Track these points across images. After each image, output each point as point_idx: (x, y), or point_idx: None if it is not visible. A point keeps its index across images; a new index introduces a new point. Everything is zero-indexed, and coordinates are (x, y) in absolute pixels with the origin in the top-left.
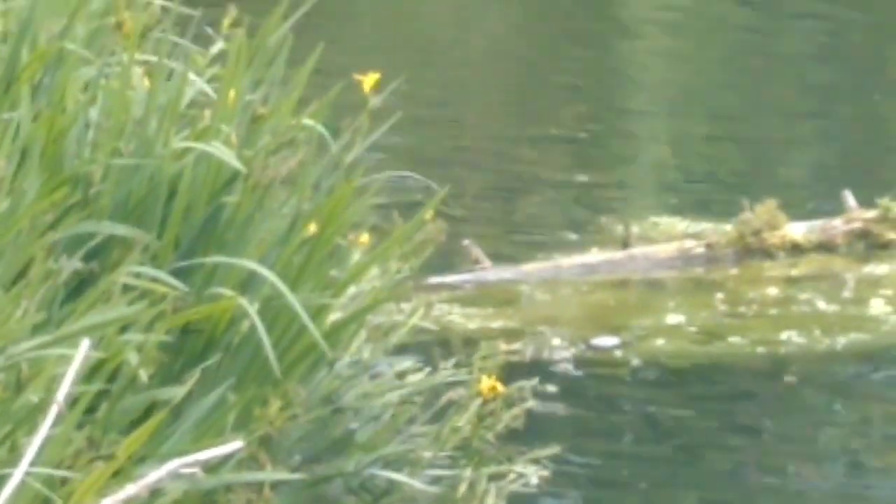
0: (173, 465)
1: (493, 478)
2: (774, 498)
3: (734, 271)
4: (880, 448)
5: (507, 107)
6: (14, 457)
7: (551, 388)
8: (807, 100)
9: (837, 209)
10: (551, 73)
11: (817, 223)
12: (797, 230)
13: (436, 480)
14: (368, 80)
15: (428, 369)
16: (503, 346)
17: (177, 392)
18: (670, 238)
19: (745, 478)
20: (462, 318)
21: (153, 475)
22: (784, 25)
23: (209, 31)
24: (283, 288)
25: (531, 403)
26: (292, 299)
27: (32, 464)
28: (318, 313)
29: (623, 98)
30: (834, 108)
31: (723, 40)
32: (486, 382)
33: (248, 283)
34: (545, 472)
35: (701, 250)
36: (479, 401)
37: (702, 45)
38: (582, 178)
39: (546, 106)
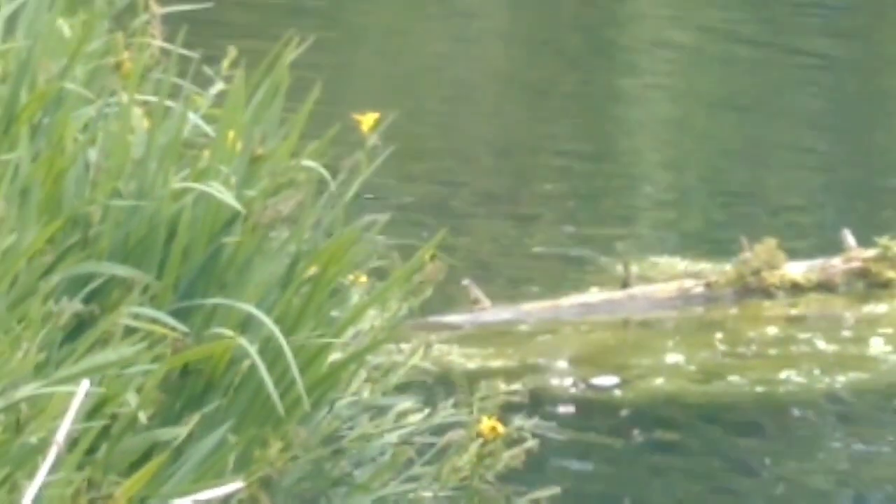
0: None
1: None
2: None
3: (733, 311)
4: (881, 488)
5: (506, 146)
6: (14, 498)
7: (551, 428)
8: (806, 138)
9: (837, 248)
10: (550, 105)
11: (817, 262)
12: (796, 269)
13: None
14: (367, 120)
15: (427, 409)
16: (503, 386)
17: (177, 433)
18: (670, 278)
19: None
20: (461, 358)
21: None
22: (784, 61)
23: (208, 71)
24: (278, 333)
25: (531, 443)
26: (285, 346)
27: None
28: (317, 354)
29: (622, 136)
30: (833, 147)
31: (722, 76)
32: (486, 422)
33: (247, 324)
34: None
35: (700, 290)
36: (478, 441)
37: (700, 82)
38: (581, 217)
39: (544, 144)
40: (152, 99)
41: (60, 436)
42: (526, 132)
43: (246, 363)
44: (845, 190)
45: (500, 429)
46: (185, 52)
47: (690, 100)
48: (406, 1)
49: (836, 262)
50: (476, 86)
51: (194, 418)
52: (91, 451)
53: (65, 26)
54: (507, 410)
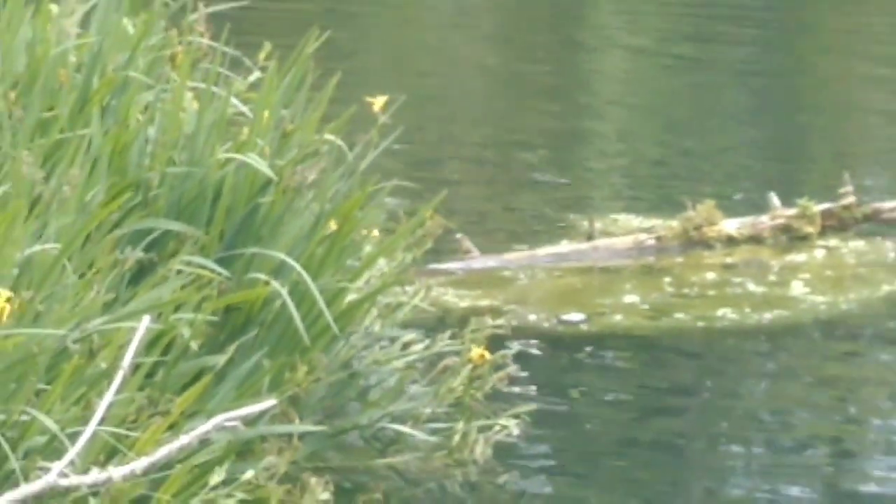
0: (218, 419)
1: (482, 429)
2: (711, 448)
3: (679, 259)
4: (800, 404)
5: (491, 121)
6: (87, 414)
7: (529, 356)
8: (740, 118)
9: (764, 208)
10: (528, 93)
11: (748, 219)
12: (731, 225)
13: (434, 432)
14: (378, 101)
15: (427, 341)
16: (489, 321)
17: (221, 360)
18: (627, 232)
19: (687, 430)
20: (455, 299)
21: (202, 428)
22: (719, 57)
23: (247, 62)
24: (306, 277)
25: (512, 368)
26: (313, 287)
27: (102, 420)
28: (336, 295)
29: (588, 115)
30: (763, 126)
31: (667, 71)
32: (476, 351)
33: (279, 270)
34: (524, 425)
35: (652, 242)
36: (469, 366)
37: (651, 75)
38: (554, 183)
39: (523, 123)
40: (200, 85)
41: (126, 362)
42: (506, 114)
43: (278, 302)
44: (772, 161)
45: (487, 356)
46: (227, 49)
47: (642, 87)
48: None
49: (764, 220)
50: (465, 71)
51: (235, 347)
52: (150, 374)
53: (129, 25)
54: (492, 341)
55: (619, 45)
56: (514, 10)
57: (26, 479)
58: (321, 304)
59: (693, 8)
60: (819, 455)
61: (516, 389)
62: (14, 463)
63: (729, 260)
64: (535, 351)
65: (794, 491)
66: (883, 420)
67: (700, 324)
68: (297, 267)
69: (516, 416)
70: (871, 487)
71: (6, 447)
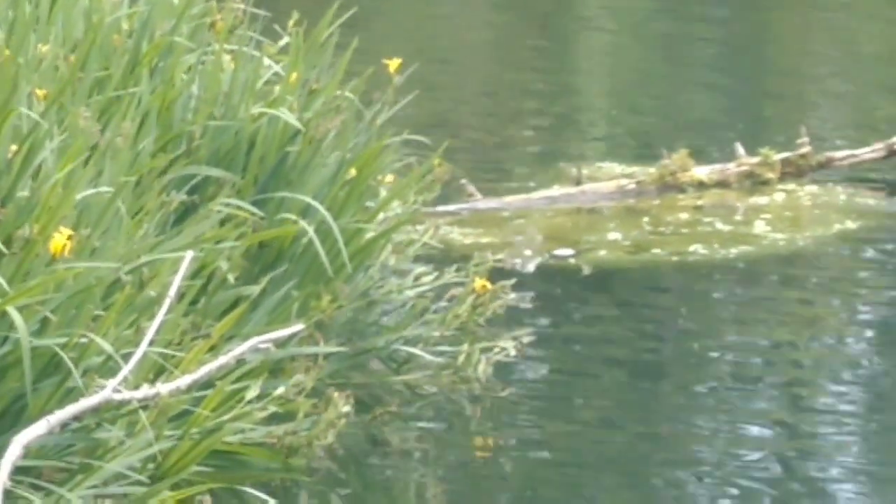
0: (253, 342)
1: (484, 350)
2: (683, 367)
3: (656, 202)
4: (762, 327)
5: (492, 82)
6: (138, 336)
7: (525, 286)
8: (711, 74)
9: (731, 156)
10: (522, 54)
11: (717, 166)
12: (702, 171)
13: (442, 353)
14: (392, 64)
15: (436, 273)
16: (490, 256)
17: (255, 289)
18: (610, 177)
19: (663, 351)
20: (460, 237)
21: (238, 349)
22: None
23: (278, 28)
24: (328, 217)
25: (511, 297)
26: (335, 227)
27: (151, 342)
28: (356, 233)
29: (576, 76)
30: (730, 84)
31: (647, 37)
32: (479, 282)
33: (306, 211)
34: (521, 346)
35: (633, 186)
36: (473, 295)
37: (630, 40)
38: (546, 134)
39: (518, 84)
40: (238, 48)
41: (172, 290)
42: (504, 76)
43: (305, 239)
44: (738, 115)
45: (489, 287)
46: (260, 12)
47: (623, 49)
48: None
49: (731, 167)
50: (467, 41)
51: (267, 279)
52: (193, 302)
53: None
54: (493, 274)
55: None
56: None
57: (85, 394)
58: (340, 242)
59: None
60: (775, 371)
61: (514, 315)
62: (77, 380)
63: (700, 202)
64: (530, 282)
65: (756, 406)
66: (830, 337)
67: (674, 258)
68: (322, 209)
69: (514, 339)
70: (822, 407)
71: (70, 364)
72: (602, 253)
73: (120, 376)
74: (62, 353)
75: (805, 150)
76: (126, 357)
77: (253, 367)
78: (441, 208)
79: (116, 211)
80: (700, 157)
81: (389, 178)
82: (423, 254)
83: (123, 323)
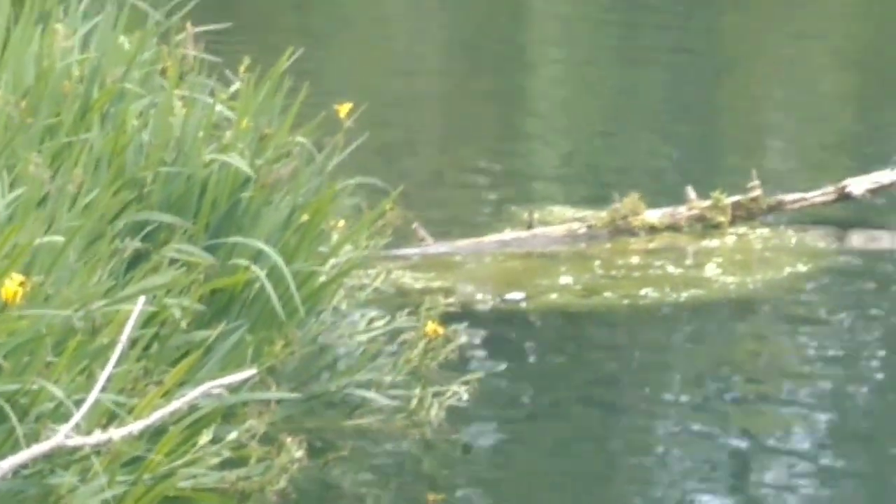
0: (206, 387)
1: (436, 394)
2: (635, 410)
3: (608, 245)
4: (712, 370)
5: (444, 124)
6: (91, 383)
7: (477, 330)
8: (662, 116)
9: (682, 200)
10: (473, 98)
11: (668, 210)
12: (653, 215)
13: (395, 397)
14: (343, 108)
15: (388, 317)
16: (442, 300)
17: (208, 335)
18: (562, 221)
19: (614, 395)
20: (412, 281)
21: (191, 394)
22: (646, 61)
23: (229, 74)
24: (280, 263)
25: (462, 341)
26: (287, 272)
27: (104, 388)
28: (308, 278)
29: (528, 119)
30: (682, 125)
31: (603, 71)
32: (430, 326)
33: (258, 256)
34: (472, 391)
35: (584, 230)
36: (425, 340)
37: (585, 74)
38: (499, 177)
39: (470, 127)
40: (189, 94)
41: (124, 337)
42: (457, 122)
43: (257, 285)
44: (688, 157)
45: (440, 331)
46: (211, 58)
47: (574, 93)
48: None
49: (682, 210)
50: (420, 77)
51: (221, 325)
52: (146, 348)
53: (125, 41)
54: (445, 318)
55: (554, 47)
56: (463, 19)
57: (37, 440)
58: (292, 287)
59: (620, 13)
60: (727, 413)
61: (466, 359)
62: (19, 429)
63: (651, 246)
64: (482, 326)
65: (704, 447)
66: (781, 379)
67: (626, 301)
68: (274, 254)
69: (466, 383)
70: (774, 446)
71: (11, 414)
72: (554, 297)
73: (72, 422)
74: (3, 404)
75: (756, 193)
76: (79, 403)
77: (206, 412)
78: (393, 252)
79: (69, 258)
80: (651, 200)
81: (341, 222)
82: (375, 298)
83: (75, 369)
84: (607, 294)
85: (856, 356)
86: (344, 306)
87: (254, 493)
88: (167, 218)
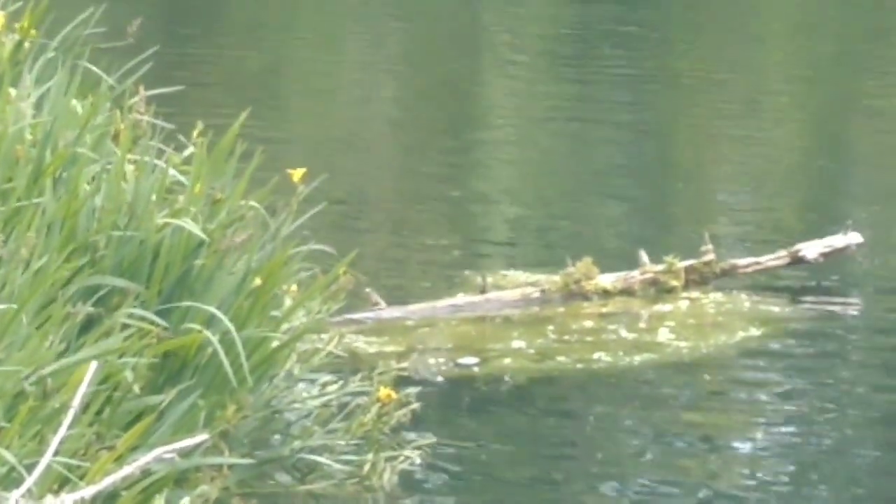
0: (158, 451)
1: (389, 459)
2: (587, 474)
3: (561, 310)
4: (665, 434)
5: (397, 189)
6: (42, 447)
7: (430, 395)
8: (616, 179)
9: (635, 264)
10: (425, 159)
11: (621, 274)
12: (606, 279)
13: (347, 462)
14: (296, 173)
15: (341, 382)
16: (395, 365)
17: (161, 399)
18: (515, 286)
19: (567, 459)
20: (365, 345)
21: (143, 459)
22: (600, 127)
23: (182, 138)
24: (232, 328)
25: (415, 406)
26: (237, 338)
27: (56, 453)
28: (261, 342)
29: (480, 182)
30: (635, 188)
31: (558, 131)
32: (383, 391)
33: (211, 321)
34: (425, 456)
35: (537, 294)
36: (378, 404)
37: (537, 145)
38: (451, 241)
39: (423, 191)
40: (141, 158)
41: (76, 402)
42: (409, 183)
43: (210, 349)
44: (641, 220)
45: (393, 396)
46: (164, 124)
47: (527, 155)
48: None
49: (635, 274)
50: (374, 141)
51: (173, 389)
52: (98, 413)
53: (78, 106)
54: (398, 382)
55: (507, 106)
56: (417, 77)
57: None
58: (242, 355)
59: (573, 70)
60: (681, 478)
61: (419, 424)
62: None
63: (604, 310)
64: (434, 391)
65: None
66: (734, 443)
67: (579, 366)
68: (225, 320)
69: (418, 448)
70: None
71: None
72: (507, 361)
73: (24, 487)
74: None
75: (709, 257)
76: (30, 468)
77: (158, 477)
78: (346, 317)
79: (21, 323)
80: (604, 264)
81: (294, 287)
82: (328, 363)
83: (27, 434)
84: (561, 358)
85: (809, 419)
86: (297, 371)
87: None
88: (120, 282)
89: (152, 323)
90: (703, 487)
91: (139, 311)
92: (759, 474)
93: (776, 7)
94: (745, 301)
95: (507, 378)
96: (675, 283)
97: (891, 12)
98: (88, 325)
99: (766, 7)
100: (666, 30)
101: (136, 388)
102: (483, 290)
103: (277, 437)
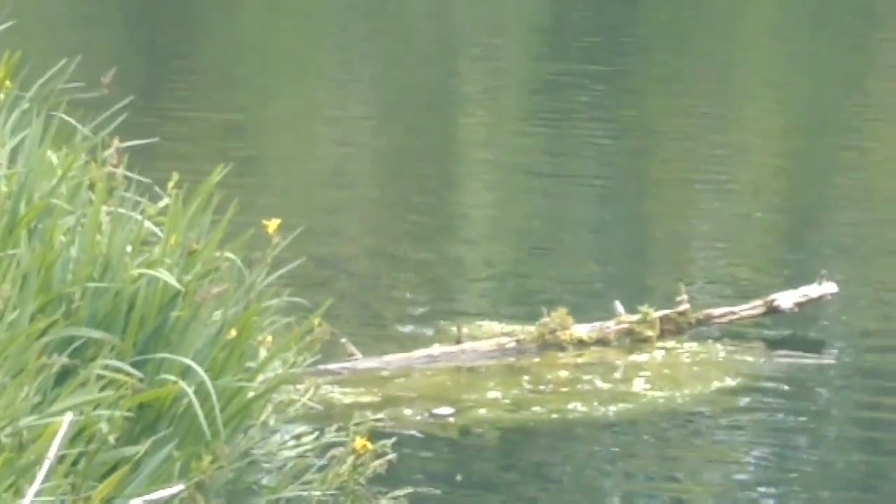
0: (134, 503)
1: None
2: None
3: (536, 360)
4: (640, 485)
5: (372, 239)
6: (17, 499)
7: (406, 446)
8: (591, 230)
9: (610, 314)
10: (400, 209)
11: (596, 324)
12: (581, 330)
13: None
14: (271, 225)
15: (317, 433)
16: (370, 416)
17: (136, 450)
18: (491, 336)
19: None
20: (341, 396)
21: None
22: (574, 181)
23: (158, 190)
24: (207, 380)
25: (391, 456)
26: (212, 389)
27: None
28: (237, 393)
29: (456, 233)
30: (611, 237)
31: (534, 182)
32: (359, 442)
33: (186, 372)
34: None
35: (513, 345)
36: (353, 455)
37: (515, 188)
38: (427, 292)
39: (398, 241)
40: (117, 210)
41: (52, 453)
42: (383, 240)
43: (186, 400)
44: (617, 272)
45: (369, 446)
46: (139, 178)
47: (503, 205)
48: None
49: (610, 325)
50: (345, 199)
51: (148, 440)
52: (74, 464)
53: (53, 157)
54: (374, 433)
55: (482, 155)
56: (390, 128)
57: None
58: (217, 405)
59: (548, 122)
60: None
61: (394, 475)
62: None
63: (580, 360)
64: (410, 441)
65: None
66: (709, 494)
67: (554, 416)
68: (201, 371)
69: (395, 499)
70: None
71: None
72: (482, 411)
73: None
74: None
75: (684, 307)
76: None
77: None
78: (322, 368)
79: None
80: (580, 314)
81: (269, 338)
82: (304, 413)
83: (3, 485)
84: (536, 408)
85: (784, 468)
86: (273, 421)
87: None
88: (95, 333)
89: (128, 374)
90: None
91: (114, 363)
92: None
93: (753, 60)
94: (720, 351)
95: (482, 428)
96: (650, 333)
97: (866, 62)
98: (64, 376)
99: (744, 61)
100: (641, 82)
101: (112, 440)
102: (459, 341)
103: (253, 487)
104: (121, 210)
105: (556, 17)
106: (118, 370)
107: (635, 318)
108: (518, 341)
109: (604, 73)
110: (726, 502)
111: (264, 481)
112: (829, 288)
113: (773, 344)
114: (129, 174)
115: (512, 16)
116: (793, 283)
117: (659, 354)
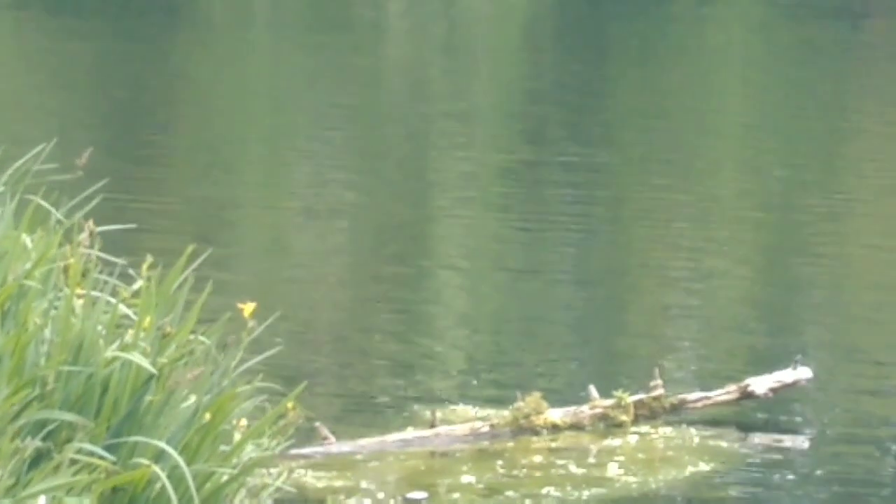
0: None
1: None
2: None
3: (510, 444)
4: None
5: (345, 322)
6: None
7: None
8: (563, 317)
9: (585, 399)
10: (375, 290)
11: (570, 409)
12: (556, 414)
13: None
14: (247, 308)
15: None
16: (343, 500)
17: None
18: (465, 420)
19: None
20: (314, 480)
21: None
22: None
23: (132, 272)
24: (181, 463)
25: None
26: (187, 472)
27: None
28: (210, 476)
29: (429, 315)
30: (585, 320)
31: (505, 264)
32: None
33: (160, 456)
34: None
35: (487, 429)
36: None
37: (486, 267)
38: (401, 376)
39: (372, 325)
40: (91, 293)
41: None
42: (355, 323)
43: (159, 483)
44: (591, 356)
45: None
46: (114, 259)
47: (476, 287)
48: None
49: (584, 409)
50: (321, 278)
51: None
52: None
53: (27, 240)
54: None
55: (454, 229)
56: (365, 205)
57: None
58: (192, 488)
59: (522, 208)
60: None
61: None
62: None
63: (553, 444)
64: None
65: None
66: None
67: (528, 501)
68: (175, 454)
69: None
70: None
71: None
72: (456, 496)
73: None
74: None
75: (658, 392)
76: None
77: None
78: (295, 451)
79: None
80: (554, 399)
81: (243, 422)
82: (277, 497)
83: None
84: (510, 493)
85: None
86: None
87: None
88: (68, 417)
89: (101, 458)
90: None
91: (88, 446)
92: None
93: (726, 146)
94: (694, 436)
95: None
96: (624, 417)
97: (841, 142)
98: (37, 459)
99: (716, 146)
100: (618, 167)
101: None
102: (433, 425)
103: None
104: (95, 293)
105: (528, 101)
106: (91, 454)
107: (610, 402)
108: (492, 426)
109: (583, 162)
110: None
111: None
112: (803, 373)
113: (747, 429)
114: (103, 255)
115: (488, 104)
116: (768, 366)
117: (633, 439)
